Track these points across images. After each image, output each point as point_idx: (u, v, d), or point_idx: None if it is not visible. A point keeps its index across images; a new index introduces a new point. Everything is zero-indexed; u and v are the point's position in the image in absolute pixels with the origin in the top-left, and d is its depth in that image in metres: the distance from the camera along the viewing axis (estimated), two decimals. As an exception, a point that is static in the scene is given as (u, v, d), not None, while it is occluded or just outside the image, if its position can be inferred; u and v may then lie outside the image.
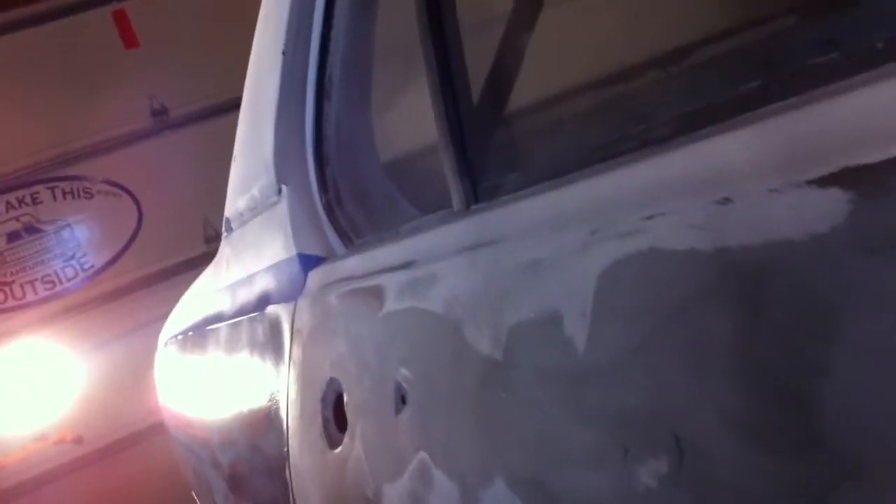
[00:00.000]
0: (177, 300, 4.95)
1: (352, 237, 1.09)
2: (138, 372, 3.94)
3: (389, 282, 0.83)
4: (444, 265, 0.74)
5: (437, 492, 0.70)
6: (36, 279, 4.31)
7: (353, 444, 0.88)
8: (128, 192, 4.45)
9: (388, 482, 0.79)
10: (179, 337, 1.88)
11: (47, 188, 4.33)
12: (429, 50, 0.81)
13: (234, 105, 5.39)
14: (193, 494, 2.11)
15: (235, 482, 1.35)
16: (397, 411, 0.78)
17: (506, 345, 0.61)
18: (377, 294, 0.85)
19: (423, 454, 0.72)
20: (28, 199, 4.32)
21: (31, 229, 4.31)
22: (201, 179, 4.49)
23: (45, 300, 4.31)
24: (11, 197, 4.27)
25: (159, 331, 4.34)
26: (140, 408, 3.87)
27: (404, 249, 0.84)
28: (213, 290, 1.62)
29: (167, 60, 4.52)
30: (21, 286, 4.27)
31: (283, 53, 1.12)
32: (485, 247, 0.68)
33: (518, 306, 0.60)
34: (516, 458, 0.59)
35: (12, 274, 4.26)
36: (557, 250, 0.57)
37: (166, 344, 2.06)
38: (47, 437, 3.32)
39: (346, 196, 1.12)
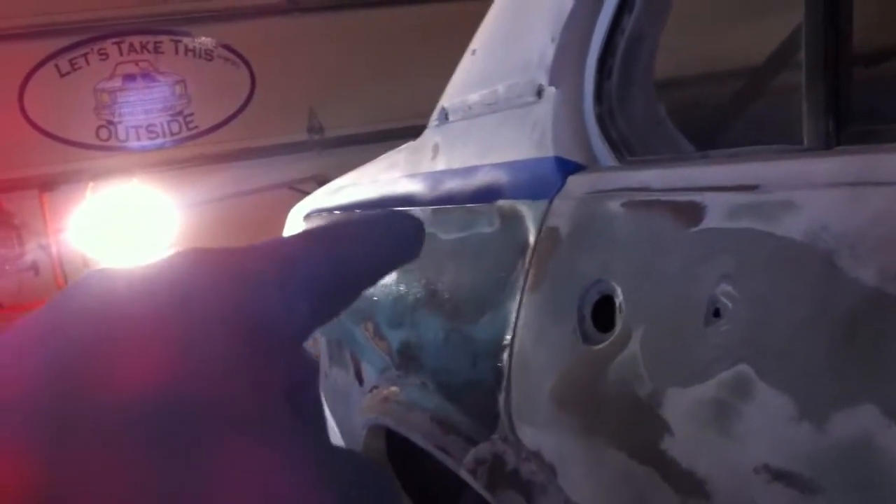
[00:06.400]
0: (271, 179, 4.96)
1: (623, 153, 1.11)
2: (229, 235, 4.03)
3: (713, 200, 0.86)
4: (805, 195, 0.76)
5: (761, 402, 0.73)
6: (141, 126, 4.37)
7: (623, 344, 0.91)
8: (246, 63, 4.48)
9: (680, 386, 0.83)
10: (337, 213, 1.92)
11: (172, 40, 4.36)
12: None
13: (366, 4, 5.37)
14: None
15: (409, 356, 1.40)
16: (707, 323, 0.81)
17: (907, 281, 0.63)
18: (691, 210, 0.88)
19: (743, 366, 0.76)
20: (151, 47, 4.36)
21: (148, 77, 4.36)
22: (317, 70, 4.51)
23: (145, 148, 4.39)
24: (136, 40, 4.30)
25: (252, 203, 4.39)
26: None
27: (736, 172, 0.87)
28: (401, 174, 1.65)
29: (312, -58, 4.50)
30: (126, 129, 4.35)
31: (592, -42, 1.13)
32: (871, 186, 0.70)
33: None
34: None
35: (120, 115, 4.33)
36: None
37: (309, 216, 2.11)
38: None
39: (619, 112, 1.14)
